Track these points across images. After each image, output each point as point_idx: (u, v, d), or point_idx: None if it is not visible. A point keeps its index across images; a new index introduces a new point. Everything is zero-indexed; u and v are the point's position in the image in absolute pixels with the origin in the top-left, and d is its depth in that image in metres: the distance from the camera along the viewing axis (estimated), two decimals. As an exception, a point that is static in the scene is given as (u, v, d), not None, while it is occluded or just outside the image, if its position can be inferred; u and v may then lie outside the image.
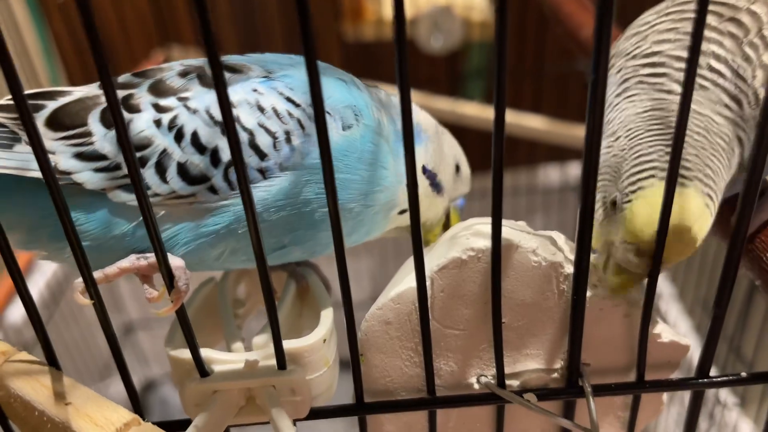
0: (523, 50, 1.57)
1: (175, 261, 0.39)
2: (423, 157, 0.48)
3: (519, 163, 1.63)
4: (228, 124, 0.32)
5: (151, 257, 0.41)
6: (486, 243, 0.40)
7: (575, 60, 1.52)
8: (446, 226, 0.52)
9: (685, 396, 0.98)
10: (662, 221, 0.37)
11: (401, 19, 0.31)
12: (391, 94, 0.50)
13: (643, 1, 0.55)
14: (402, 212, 0.48)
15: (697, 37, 0.32)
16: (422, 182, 0.48)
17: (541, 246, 0.41)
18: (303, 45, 0.31)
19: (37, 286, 1.29)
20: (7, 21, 1.38)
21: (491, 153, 0.35)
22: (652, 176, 0.41)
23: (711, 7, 0.45)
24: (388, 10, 1.46)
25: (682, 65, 0.41)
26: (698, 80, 0.43)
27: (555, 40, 1.54)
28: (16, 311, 1.20)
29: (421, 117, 0.50)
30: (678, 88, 0.43)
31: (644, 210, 0.40)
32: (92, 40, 0.30)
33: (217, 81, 0.31)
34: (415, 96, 1.33)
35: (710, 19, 0.45)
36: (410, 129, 0.33)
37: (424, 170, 0.48)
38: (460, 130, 1.53)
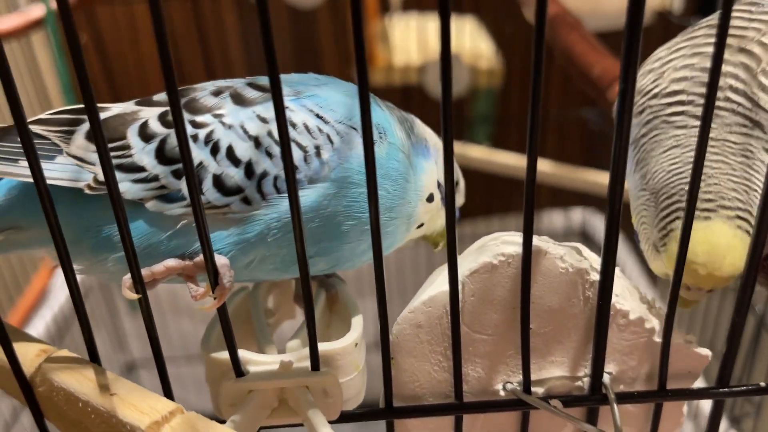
0: (528, 96, 1.61)
1: (220, 260, 0.41)
2: (437, 172, 0.50)
3: (523, 207, 1.66)
4: (283, 140, 0.34)
5: (198, 257, 0.42)
6: (516, 249, 0.42)
7: (579, 107, 1.56)
8: None
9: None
10: (679, 259, 0.39)
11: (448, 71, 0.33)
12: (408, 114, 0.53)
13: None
14: (419, 227, 0.50)
15: (715, 73, 0.34)
16: (436, 195, 0.50)
17: (567, 253, 0.43)
18: (357, 74, 0.34)
19: (44, 319, 1.30)
20: (28, 61, 1.42)
21: (526, 152, 0.37)
22: (677, 218, 0.43)
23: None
24: (397, 58, 1.50)
25: (701, 101, 0.44)
26: (715, 111, 0.45)
27: (559, 87, 1.59)
28: (33, 330, 1.22)
29: (428, 134, 0.52)
30: (695, 122, 0.45)
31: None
32: (163, 58, 0.33)
33: (277, 101, 0.33)
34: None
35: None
36: (451, 166, 0.36)
37: (438, 184, 0.51)
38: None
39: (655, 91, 0.49)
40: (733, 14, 0.49)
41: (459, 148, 1.41)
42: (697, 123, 0.45)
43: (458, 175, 0.55)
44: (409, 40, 1.51)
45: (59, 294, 1.39)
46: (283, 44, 1.59)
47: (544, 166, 1.37)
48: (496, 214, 1.60)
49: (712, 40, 0.46)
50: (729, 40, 0.47)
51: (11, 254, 0.47)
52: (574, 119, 1.62)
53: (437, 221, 0.52)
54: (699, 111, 0.45)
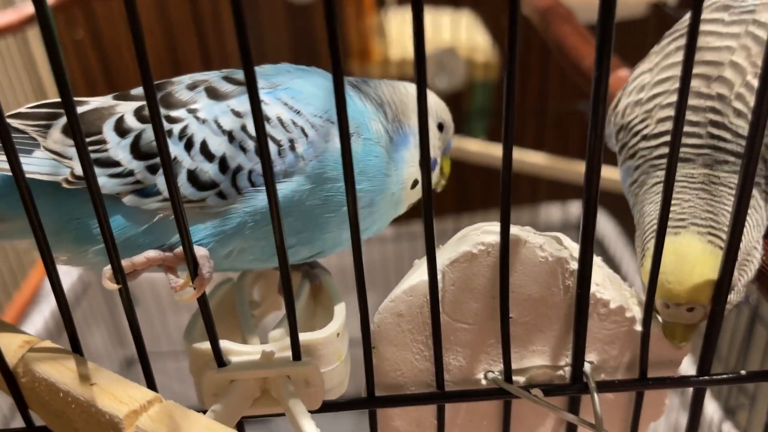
0: (526, 90, 1.61)
1: (199, 251, 0.41)
2: (418, 156, 0.49)
3: (521, 201, 1.66)
4: (260, 135, 0.34)
5: (178, 249, 0.42)
6: (495, 238, 0.42)
7: (577, 100, 1.56)
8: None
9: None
10: (652, 270, 0.40)
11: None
12: (393, 83, 0.52)
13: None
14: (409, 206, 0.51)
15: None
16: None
17: (547, 242, 0.43)
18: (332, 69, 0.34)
19: (42, 315, 1.30)
20: (24, 56, 1.43)
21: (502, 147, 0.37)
22: (653, 237, 0.43)
23: (697, 70, 0.47)
24: (394, 51, 1.50)
25: (685, 140, 0.45)
26: (695, 150, 0.46)
27: (557, 80, 1.58)
28: (31, 326, 1.22)
29: (403, 110, 0.50)
30: (678, 163, 0.45)
31: (649, 265, 0.42)
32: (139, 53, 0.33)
33: (252, 95, 0.33)
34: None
35: (698, 84, 0.47)
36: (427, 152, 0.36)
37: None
38: (463, 167, 1.55)
39: (645, 132, 0.49)
40: (706, 27, 0.49)
41: (456, 141, 1.41)
42: (680, 164, 0.45)
43: (441, 114, 0.53)
44: (404, 34, 1.50)
45: (57, 289, 1.39)
46: (280, 40, 1.59)
47: (541, 159, 1.38)
48: (494, 207, 1.60)
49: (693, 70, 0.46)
50: (705, 70, 0.47)
51: (6, 249, 0.47)
52: (573, 113, 1.61)
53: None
54: (681, 153, 0.46)
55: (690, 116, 0.46)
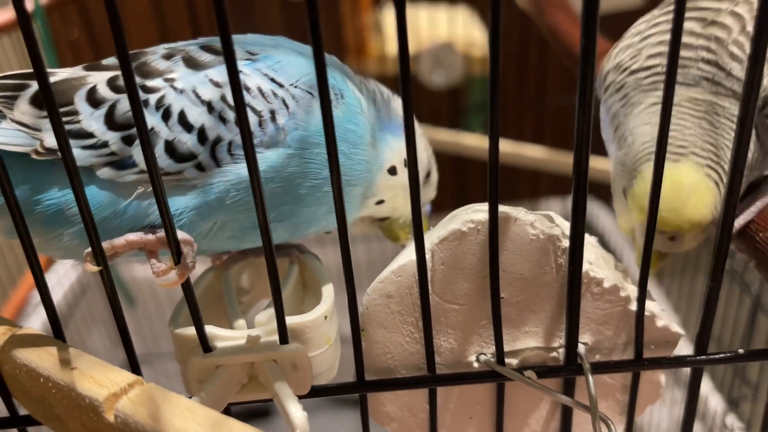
0: (525, 83, 1.60)
1: (183, 236, 0.40)
2: (404, 149, 0.49)
3: (521, 195, 1.65)
4: (238, 103, 0.33)
5: (160, 232, 0.41)
6: (485, 216, 0.41)
7: (575, 94, 1.55)
8: None
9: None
10: (652, 197, 0.38)
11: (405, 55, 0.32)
12: (387, 90, 0.52)
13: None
14: (378, 203, 0.50)
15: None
16: (400, 170, 0.49)
17: (538, 220, 0.42)
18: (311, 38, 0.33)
19: (40, 316, 1.29)
20: (19, 55, 1.42)
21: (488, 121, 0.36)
22: (648, 160, 0.42)
23: (693, 14, 0.47)
24: (390, 46, 1.50)
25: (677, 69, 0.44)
26: (693, 77, 0.45)
27: (556, 73, 1.57)
28: (31, 326, 1.21)
29: (400, 109, 0.51)
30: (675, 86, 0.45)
31: (643, 189, 0.42)
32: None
33: (230, 63, 0.32)
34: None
35: (693, 26, 0.47)
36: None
37: (405, 163, 0.49)
38: (461, 162, 1.54)
39: (633, 67, 0.49)
40: None
41: (454, 136, 1.40)
42: (684, 87, 0.45)
43: (431, 164, 0.54)
44: (401, 29, 1.49)
45: (56, 289, 1.39)
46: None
47: (541, 153, 1.37)
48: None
49: (688, 14, 0.45)
50: (703, 14, 0.47)
51: (5, 245, 0.46)
52: (572, 106, 1.61)
53: (403, 206, 0.51)
54: (680, 78, 0.46)
55: (682, 52, 0.45)
